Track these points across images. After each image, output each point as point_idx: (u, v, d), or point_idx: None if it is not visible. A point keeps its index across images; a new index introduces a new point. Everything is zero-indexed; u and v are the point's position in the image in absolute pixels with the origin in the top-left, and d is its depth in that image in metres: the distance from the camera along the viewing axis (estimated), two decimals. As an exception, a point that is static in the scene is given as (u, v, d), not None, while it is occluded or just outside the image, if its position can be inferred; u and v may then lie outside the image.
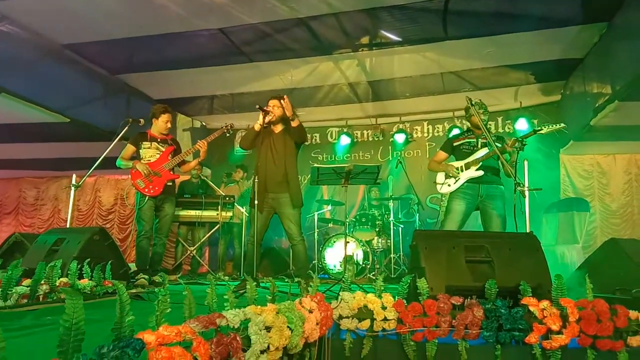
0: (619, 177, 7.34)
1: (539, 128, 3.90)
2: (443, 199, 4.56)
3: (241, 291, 3.57)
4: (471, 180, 4.21)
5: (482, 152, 4.24)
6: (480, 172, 4.17)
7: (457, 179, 4.28)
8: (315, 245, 6.77)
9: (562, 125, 3.90)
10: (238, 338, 1.41)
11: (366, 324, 2.31)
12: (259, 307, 1.71)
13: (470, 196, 4.22)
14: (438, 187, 4.47)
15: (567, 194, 7.38)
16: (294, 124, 4.11)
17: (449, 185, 4.35)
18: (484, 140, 4.27)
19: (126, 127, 4.76)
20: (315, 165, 4.01)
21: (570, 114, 6.88)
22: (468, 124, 4.52)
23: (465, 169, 4.26)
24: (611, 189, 7.34)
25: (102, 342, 1.01)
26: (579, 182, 7.44)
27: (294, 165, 4.28)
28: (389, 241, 6.79)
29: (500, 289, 2.33)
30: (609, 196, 7.31)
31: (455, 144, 4.47)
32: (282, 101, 4.08)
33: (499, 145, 4.18)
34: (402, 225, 6.89)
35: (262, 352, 1.55)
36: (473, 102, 4.15)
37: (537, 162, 6.81)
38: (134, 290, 3.51)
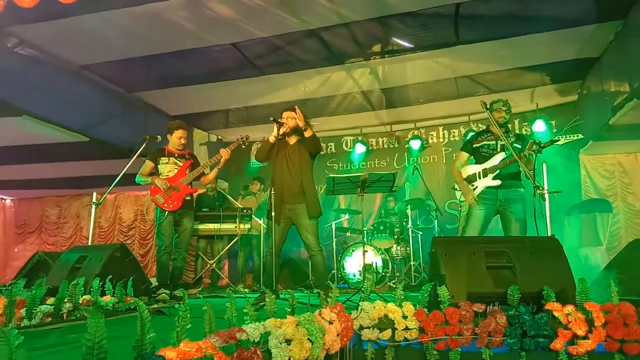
0: (642, 176, 7.19)
1: (557, 139, 3.87)
2: (462, 204, 4.52)
3: (261, 304, 3.58)
4: (489, 186, 4.18)
5: (499, 157, 4.19)
6: (497, 182, 4.13)
7: (475, 187, 4.24)
8: (334, 254, 6.75)
9: (580, 135, 3.88)
10: (259, 352, 1.41)
11: (387, 333, 2.29)
12: (279, 319, 1.71)
13: (490, 201, 4.18)
14: (457, 193, 4.44)
15: (589, 194, 7.24)
16: (307, 134, 4.12)
17: None
18: (503, 143, 4.22)
19: (144, 144, 4.84)
20: (331, 175, 4.02)
21: (588, 114, 6.78)
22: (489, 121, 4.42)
23: (483, 176, 4.22)
24: (634, 188, 7.16)
25: (126, 357, 1.02)
26: (600, 183, 7.29)
27: (310, 175, 4.29)
28: (408, 248, 6.74)
29: (523, 295, 2.29)
30: (632, 195, 7.13)
31: (475, 145, 4.41)
32: (293, 112, 4.11)
33: (519, 146, 4.14)
34: (420, 232, 6.83)
35: (283, 365, 1.55)
36: (489, 105, 4.14)
37: (556, 163, 6.69)
38: (155, 306, 3.54)
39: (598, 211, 6.41)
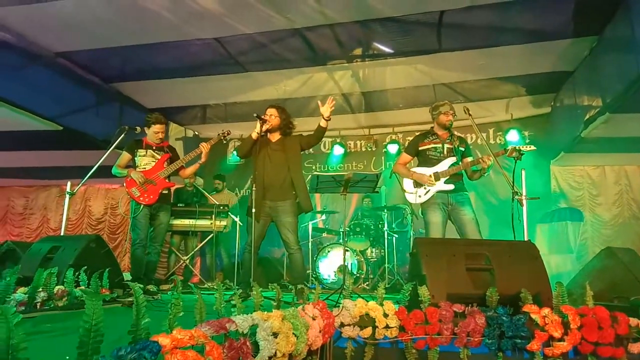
0: (609, 189, 7.44)
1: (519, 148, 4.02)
2: (415, 207, 4.59)
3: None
4: (440, 190, 4.25)
5: (449, 161, 4.27)
6: (451, 186, 4.21)
7: (427, 190, 4.29)
8: (310, 254, 6.75)
9: (532, 147, 4.13)
10: (248, 343, 1.40)
11: (368, 331, 2.31)
12: (266, 313, 1.70)
13: (443, 205, 4.25)
14: (408, 196, 4.46)
15: (558, 205, 7.46)
16: (324, 124, 4.33)
17: (419, 196, 4.35)
18: (450, 146, 4.31)
19: (122, 135, 4.74)
20: (315, 173, 4.02)
21: (561, 126, 6.97)
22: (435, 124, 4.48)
23: (435, 180, 4.27)
24: (602, 199, 7.42)
25: (107, 349, 1.00)
26: (569, 193, 7.52)
27: (300, 171, 4.30)
28: (382, 251, 6.78)
29: (501, 297, 2.35)
30: (600, 207, 7.39)
31: (421, 147, 4.45)
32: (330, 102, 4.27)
33: (462, 149, 4.26)
34: (396, 235, 6.90)
35: (269, 358, 1.54)
36: (441, 104, 4.30)
37: (528, 173, 6.86)
38: (130, 299, 3.47)
39: (569, 220, 6.58)
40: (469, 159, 4.28)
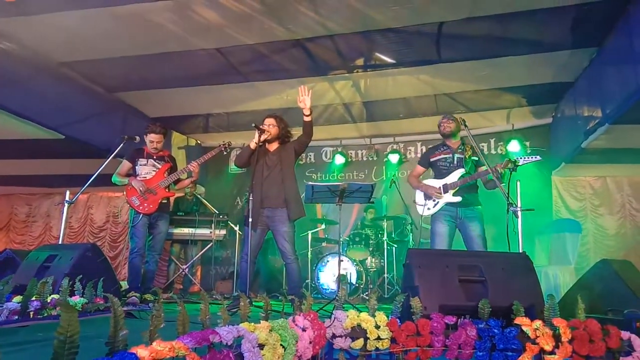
0: (611, 200, 7.40)
1: (515, 159, 3.88)
2: (425, 219, 4.59)
3: (233, 310, 3.55)
4: (448, 203, 4.25)
5: (457, 173, 4.26)
6: (458, 199, 4.21)
7: (436, 202, 4.31)
8: (309, 264, 6.74)
9: (538, 157, 3.98)
10: (231, 355, 1.41)
11: (359, 343, 2.30)
12: (252, 324, 1.70)
13: (450, 217, 4.26)
14: (418, 208, 4.50)
15: (560, 215, 7.42)
16: (308, 118, 4.20)
17: (428, 208, 4.38)
18: (460, 156, 4.32)
19: (122, 144, 4.77)
20: (310, 183, 4.03)
21: (562, 137, 6.96)
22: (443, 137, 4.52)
23: (444, 192, 4.28)
24: (603, 210, 7.39)
25: (93, 359, 1.01)
26: (572, 204, 7.49)
27: (292, 179, 4.29)
28: (382, 261, 6.77)
29: (494, 309, 2.33)
30: (602, 218, 7.35)
31: (432, 159, 4.50)
32: (304, 91, 4.19)
33: (476, 159, 4.27)
34: (395, 245, 6.88)
35: (255, 369, 1.54)
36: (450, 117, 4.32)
37: (528, 183, 6.85)
38: (125, 308, 3.48)
39: (568, 231, 6.54)
40: (483, 167, 4.25)
